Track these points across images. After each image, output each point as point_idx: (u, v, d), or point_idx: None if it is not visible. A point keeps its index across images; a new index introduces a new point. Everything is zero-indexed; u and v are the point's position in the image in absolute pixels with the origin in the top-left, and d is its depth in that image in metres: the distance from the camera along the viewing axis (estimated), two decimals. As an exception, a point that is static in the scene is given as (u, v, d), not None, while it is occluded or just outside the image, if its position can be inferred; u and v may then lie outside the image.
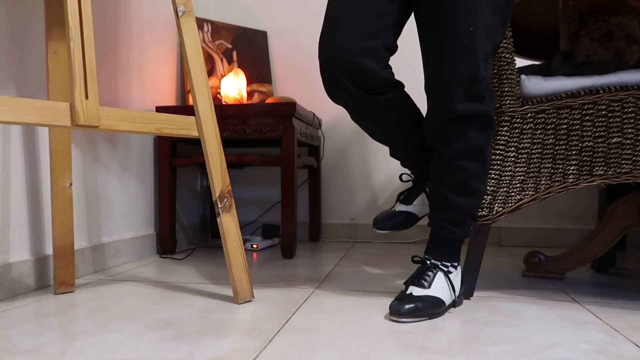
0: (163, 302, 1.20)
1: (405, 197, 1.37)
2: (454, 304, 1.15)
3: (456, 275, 1.17)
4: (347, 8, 1.07)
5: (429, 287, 1.10)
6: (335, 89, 1.12)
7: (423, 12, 1.10)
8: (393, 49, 1.12)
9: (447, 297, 1.11)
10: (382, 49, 1.09)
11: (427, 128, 1.15)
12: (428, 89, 1.12)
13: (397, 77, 1.15)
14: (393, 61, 1.12)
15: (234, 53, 2.28)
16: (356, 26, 1.06)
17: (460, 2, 1.02)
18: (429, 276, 1.12)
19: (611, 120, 1.21)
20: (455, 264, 1.18)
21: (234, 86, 2.06)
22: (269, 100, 1.98)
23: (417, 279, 1.12)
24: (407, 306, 1.04)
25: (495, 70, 1.23)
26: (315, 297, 1.26)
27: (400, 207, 1.36)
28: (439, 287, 1.11)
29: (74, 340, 0.92)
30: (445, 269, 1.15)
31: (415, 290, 1.09)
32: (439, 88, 1.08)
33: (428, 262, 1.16)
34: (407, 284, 1.13)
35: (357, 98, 1.11)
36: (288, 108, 1.81)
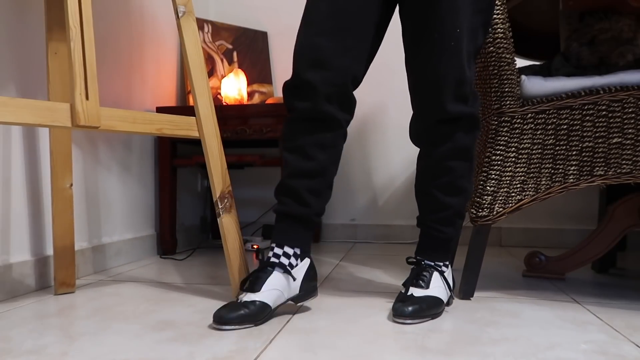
0: (163, 303, 1.20)
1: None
2: (448, 302, 1.16)
3: (449, 274, 1.18)
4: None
5: (428, 287, 1.10)
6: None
7: (409, 13, 1.10)
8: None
9: (444, 295, 1.13)
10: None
11: (416, 130, 1.17)
12: (415, 91, 1.13)
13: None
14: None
15: (235, 53, 2.27)
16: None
17: (446, 3, 1.03)
18: (426, 277, 1.12)
19: (611, 120, 1.21)
20: (447, 262, 1.19)
21: (235, 87, 2.06)
22: (269, 101, 1.98)
23: (415, 280, 1.12)
24: (411, 308, 1.04)
25: (496, 71, 1.23)
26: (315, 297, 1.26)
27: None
28: (437, 287, 1.12)
29: (74, 341, 0.92)
30: (439, 269, 1.16)
31: (415, 292, 1.09)
32: (428, 90, 1.09)
33: (422, 262, 1.16)
34: (407, 285, 1.13)
35: None
36: (288, 108, 1.81)
